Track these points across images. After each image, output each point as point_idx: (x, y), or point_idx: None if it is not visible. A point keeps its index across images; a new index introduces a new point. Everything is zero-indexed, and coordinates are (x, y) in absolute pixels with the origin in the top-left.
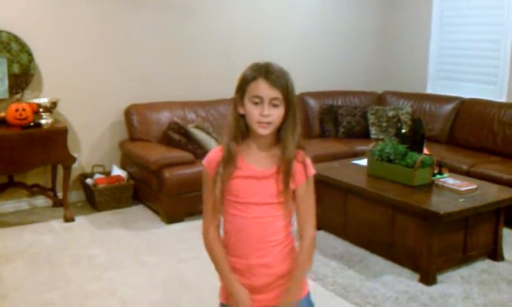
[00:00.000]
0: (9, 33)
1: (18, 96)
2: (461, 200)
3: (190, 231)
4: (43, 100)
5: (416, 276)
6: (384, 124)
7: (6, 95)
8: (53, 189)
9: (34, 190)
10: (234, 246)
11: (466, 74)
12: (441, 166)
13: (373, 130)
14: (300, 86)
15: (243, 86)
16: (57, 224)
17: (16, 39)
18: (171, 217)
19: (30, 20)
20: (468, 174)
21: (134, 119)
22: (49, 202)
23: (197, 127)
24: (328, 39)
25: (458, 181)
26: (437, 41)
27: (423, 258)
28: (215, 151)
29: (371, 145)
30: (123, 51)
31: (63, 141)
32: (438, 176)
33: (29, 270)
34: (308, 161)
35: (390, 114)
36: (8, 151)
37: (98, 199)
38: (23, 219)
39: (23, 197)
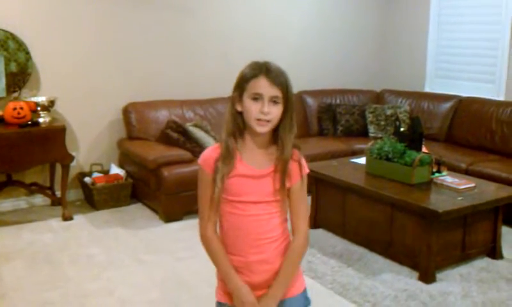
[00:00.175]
0: (6, 31)
1: (15, 94)
2: (460, 198)
3: (188, 229)
4: (41, 99)
5: (415, 274)
6: (382, 122)
7: (4, 94)
8: (51, 188)
9: (33, 188)
10: (232, 244)
11: (464, 73)
12: (440, 164)
13: (371, 129)
14: (298, 85)
15: (242, 83)
16: (56, 222)
17: (14, 37)
18: (170, 216)
19: (27, 18)
20: (467, 172)
21: (132, 118)
22: (47, 201)
23: (195, 126)
24: (327, 38)
25: (457, 180)
26: (435, 40)
27: (422, 256)
28: (211, 149)
29: (369, 143)
30: (121, 49)
31: (61, 140)
32: (436, 174)
33: (28, 269)
34: (303, 160)
35: (389, 112)
36: (6, 149)
37: (96, 197)
38: (21, 218)
39: (21, 196)
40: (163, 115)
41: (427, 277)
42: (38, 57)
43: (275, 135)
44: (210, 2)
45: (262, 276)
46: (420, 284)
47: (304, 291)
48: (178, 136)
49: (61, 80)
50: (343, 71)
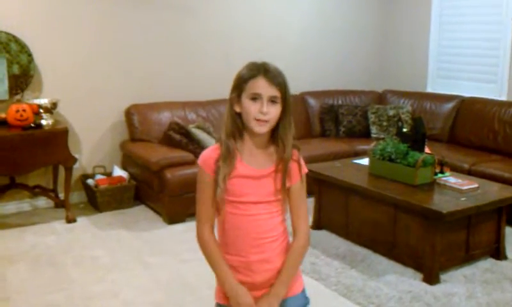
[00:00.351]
0: (8, 34)
1: (18, 97)
2: (463, 199)
3: (192, 231)
4: (44, 101)
5: (420, 275)
6: (385, 123)
7: (6, 96)
8: (54, 190)
9: (36, 191)
10: (232, 244)
11: (466, 73)
12: (443, 165)
13: (374, 130)
14: (300, 86)
15: (241, 84)
16: (59, 225)
17: (16, 39)
18: (173, 218)
19: (29, 20)
20: (470, 173)
21: (135, 120)
22: (51, 203)
23: (198, 127)
24: (328, 39)
25: (460, 180)
26: (436, 40)
27: (426, 257)
28: (211, 150)
29: (372, 144)
30: (124, 51)
31: (63, 142)
32: (439, 175)
33: (31, 271)
34: (302, 160)
35: (391, 113)
36: (9, 152)
37: (99, 200)
38: (25, 221)
39: (25, 199)
40: (165, 117)
41: (431, 278)
42: (40, 60)
43: (274, 136)
44: (212, 3)
45: (263, 276)
46: (424, 285)
47: (304, 290)
48: (181, 138)
49: (63, 83)
50: (345, 72)
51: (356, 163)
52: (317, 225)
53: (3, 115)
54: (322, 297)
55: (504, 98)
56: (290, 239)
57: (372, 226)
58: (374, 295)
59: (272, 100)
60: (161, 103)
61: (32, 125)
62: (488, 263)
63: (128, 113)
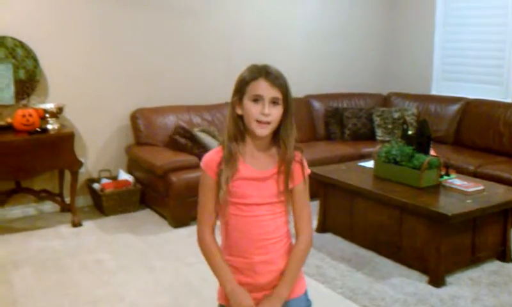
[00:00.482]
0: (14, 39)
1: (24, 102)
2: (469, 201)
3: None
4: (49, 106)
5: (425, 278)
6: (390, 126)
7: (12, 101)
8: (60, 194)
9: (42, 195)
10: (235, 245)
11: (471, 75)
12: (448, 167)
13: (379, 132)
14: (305, 89)
15: (242, 86)
16: (65, 229)
17: (22, 45)
18: (178, 221)
19: (35, 25)
20: (475, 175)
21: (140, 124)
22: (57, 207)
23: (203, 131)
24: (332, 42)
25: (465, 183)
26: (441, 42)
27: (431, 259)
28: (214, 153)
29: (377, 147)
30: (128, 56)
31: (69, 146)
32: (445, 177)
33: (38, 275)
34: (304, 161)
35: (396, 115)
36: (15, 157)
37: (105, 204)
38: (31, 225)
39: (30, 203)
40: (171, 121)
41: (437, 281)
42: (46, 65)
43: (275, 137)
44: (218, 7)
45: (266, 277)
46: (430, 288)
47: (306, 293)
48: (186, 142)
49: (69, 87)
50: (349, 74)
51: (361, 166)
52: (322, 228)
53: (9, 120)
54: (327, 300)
55: (509, 99)
56: (293, 241)
57: (378, 228)
58: (379, 297)
59: (273, 102)
60: (166, 107)
61: (38, 129)
62: (494, 265)
63: (134, 117)
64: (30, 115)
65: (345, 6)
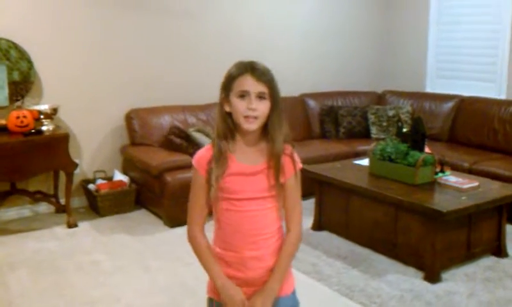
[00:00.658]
0: (8, 41)
1: (18, 103)
2: (464, 198)
3: None
4: (44, 107)
5: (421, 274)
6: (384, 123)
7: (7, 103)
8: (55, 196)
9: (37, 197)
10: (228, 240)
11: (465, 72)
12: (443, 164)
13: (374, 130)
14: (300, 88)
15: (229, 83)
16: (61, 230)
17: (16, 46)
18: (174, 221)
19: (29, 27)
20: (470, 171)
21: (135, 124)
22: (52, 208)
23: (198, 131)
24: (327, 41)
25: (460, 179)
26: (435, 40)
27: (427, 256)
28: (204, 150)
29: (372, 145)
30: (123, 56)
31: (64, 147)
32: (439, 174)
33: (33, 277)
34: (296, 155)
35: (391, 113)
36: (9, 158)
37: (100, 204)
38: (26, 226)
39: (25, 204)
40: (165, 121)
41: (432, 277)
42: (40, 66)
43: (265, 132)
44: (212, 7)
45: (256, 273)
46: (426, 284)
47: (294, 292)
48: (181, 141)
49: (63, 88)
50: (344, 73)
51: (356, 164)
52: (318, 226)
53: (4, 121)
54: (324, 297)
55: (503, 96)
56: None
57: (373, 225)
58: (375, 294)
59: (260, 97)
60: (161, 107)
61: (33, 131)
62: (489, 261)
63: (128, 117)
64: (24, 116)
65: (340, 5)
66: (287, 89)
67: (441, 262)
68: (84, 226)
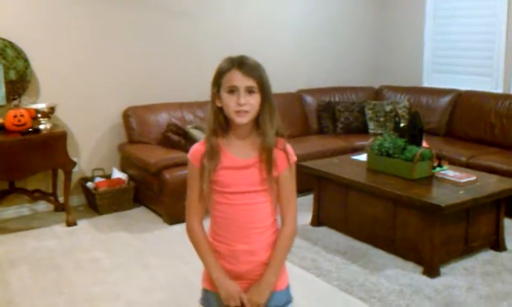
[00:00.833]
0: (4, 40)
1: (15, 102)
2: (461, 192)
3: None
4: (41, 106)
5: (420, 269)
6: (382, 119)
7: (3, 102)
8: (54, 194)
9: (36, 195)
10: (221, 232)
11: (462, 66)
12: (441, 159)
13: (371, 125)
14: (297, 84)
15: (218, 79)
16: (60, 228)
17: (12, 45)
18: (173, 218)
19: (25, 26)
20: (467, 166)
21: (133, 122)
22: (51, 207)
23: (196, 128)
24: (324, 36)
25: (458, 174)
26: (431, 34)
27: (425, 250)
28: (199, 144)
29: (370, 140)
30: (120, 54)
31: (62, 146)
32: (437, 168)
33: (33, 275)
34: (289, 148)
35: (388, 108)
36: (7, 157)
37: (99, 202)
38: (25, 225)
39: (24, 203)
40: (163, 118)
41: (431, 271)
42: (37, 65)
43: (257, 126)
44: (208, 4)
45: (246, 266)
46: (425, 278)
47: (287, 288)
48: (179, 138)
49: (60, 87)
50: (341, 68)
51: (354, 159)
52: (317, 222)
53: (1, 120)
54: (323, 292)
55: (499, 90)
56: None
57: (372, 221)
58: (375, 289)
59: (249, 91)
60: (158, 105)
61: (31, 129)
62: (488, 254)
63: (126, 115)
64: (22, 115)
65: (337, 0)
66: (284, 85)
67: (439, 256)
68: (83, 224)
